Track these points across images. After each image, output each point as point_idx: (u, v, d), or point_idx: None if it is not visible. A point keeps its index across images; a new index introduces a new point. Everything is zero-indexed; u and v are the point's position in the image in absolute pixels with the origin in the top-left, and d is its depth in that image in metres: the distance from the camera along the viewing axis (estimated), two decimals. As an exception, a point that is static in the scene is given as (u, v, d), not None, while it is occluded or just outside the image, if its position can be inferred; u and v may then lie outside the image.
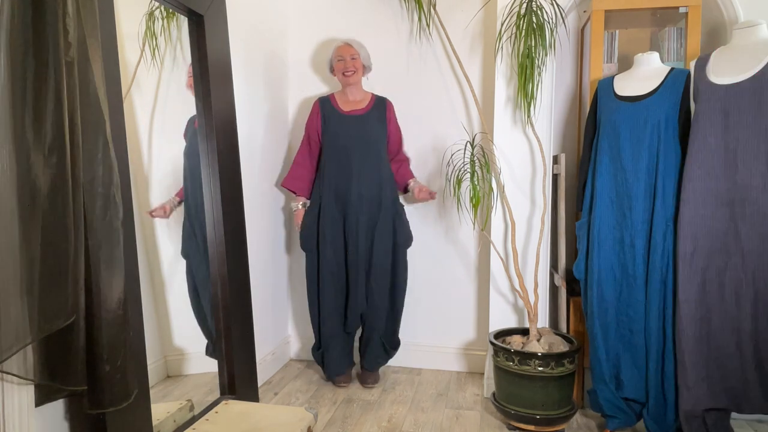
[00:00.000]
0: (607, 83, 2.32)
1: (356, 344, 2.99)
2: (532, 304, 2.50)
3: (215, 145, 2.15)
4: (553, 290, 2.77)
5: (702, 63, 2.12)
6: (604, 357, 2.24)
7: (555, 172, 2.65)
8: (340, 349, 2.84)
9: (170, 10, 2.03)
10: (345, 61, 2.77)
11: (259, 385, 2.56)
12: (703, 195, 2.03)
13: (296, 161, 2.86)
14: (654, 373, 2.16)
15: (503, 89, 2.66)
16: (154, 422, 1.72)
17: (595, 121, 2.37)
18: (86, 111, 1.32)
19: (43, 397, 1.35)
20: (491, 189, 2.62)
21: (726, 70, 2.05)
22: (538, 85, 2.53)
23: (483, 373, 2.90)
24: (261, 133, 2.85)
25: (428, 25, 2.96)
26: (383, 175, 2.78)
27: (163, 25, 2.02)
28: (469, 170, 2.49)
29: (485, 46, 2.92)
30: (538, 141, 2.59)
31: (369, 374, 2.86)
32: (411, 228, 2.89)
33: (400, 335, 2.95)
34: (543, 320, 2.63)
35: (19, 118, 1.19)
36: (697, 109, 2.08)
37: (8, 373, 1.22)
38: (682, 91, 2.16)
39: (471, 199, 2.51)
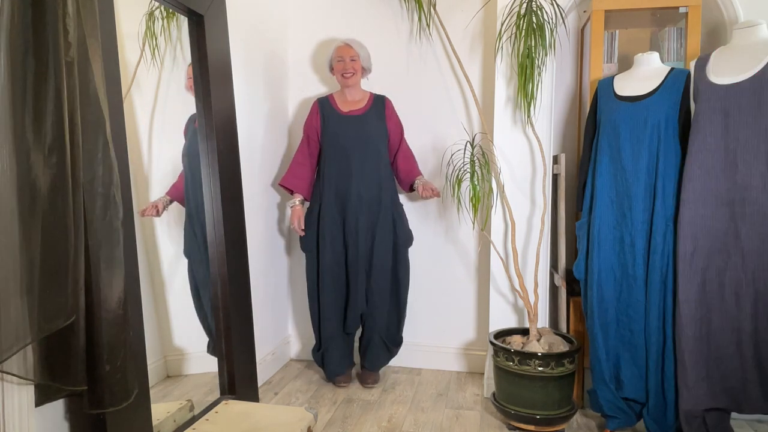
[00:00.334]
0: (607, 83, 2.32)
1: (356, 344, 2.99)
2: (532, 304, 2.50)
3: (215, 145, 2.15)
4: (553, 290, 2.77)
5: (702, 63, 2.12)
6: (604, 357, 2.24)
7: (555, 172, 2.65)
8: (340, 349, 2.84)
9: (170, 10, 2.03)
10: (344, 63, 2.76)
11: (259, 385, 2.56)
12: (703, 195, 2.03)
13: (296, 160, 2.85)
14: (654, 373, 2.16)
15: (503, 89, 2.66)
16: (154, 422, 1.72)
17: (595, 121, 2.37)
18: (86, 111, 1.32)
19: (43, 397, 1.35)
20: (491, 189, 2.62)
21: (726, 70, 2.05)
22: (538, 85, 2.53)
23: (483, 373, 2.90)
24: (261, 133, 2.85)
25: (428, 25, 2.96)
26: (383, 175, 2.78)
27: (163, 25, 2.02)
28: (469, 170, 2.49)
29: (485, 46, 2.92)
30: (538, 141, 2.59)
31: (369, 374, 2.86)
32: (411, 228, 2.89)
33: (400, 335, 2.95)
34: (543, 320, 2.63)
35: (19, 118, 1.19)
36: (697, 109, 2.08)
37: (8, 373, 1.22)
38: (682, 91, 2.16)
39: (471, 199, 2.51)
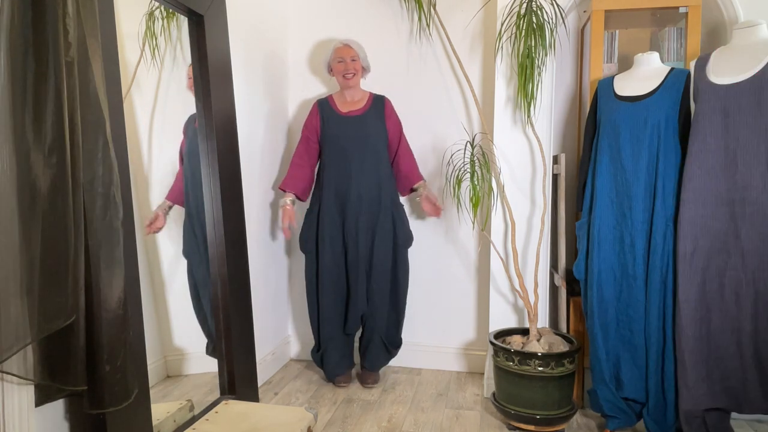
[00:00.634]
0: (607, 83, 2.32)
1: (356, 344, 2.99)
2: (532, 304, 2.50)
3: (215, 145, 2.15)
4: (553, 290, 2.77)
5: (702, 63, 2.12)
6: (604, 357, 2.24)
7: (555, 172, 2.65)
8: (339, 350, 2.84)
9: (170, 10, 2.03)
10: (345, 63, 2.76)
11: (259, 385, 2.56)
12: (703, 195, 2.03)
13: (293, 162, 2.83)
14: (654, 373, 2.16)
15: (503, 89, 2.66)
16: (154, 422, 1.72)
17: (595, 121, 2.37)
18: (86, 111, 1.32)
19: (43, 397, 1.35)
20: (491, 189, 2.62)
21: (726, 70, 2.05)
22: (538, 85, 2.53)
23: (483, 373, 2.90)
24: (261, 133, 2.85)
25: (428, 25, 2.96)
26: (383, 176, 2.78)
27: (163, 25, 2.02)
28: (469, 170, 2.49)
29: (485, 46, 2.92)
30: (538, 141, 2.59)
31: (369, 374, 2.86)
32: (411, 228, 2.89)
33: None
34: (543, 320, 2.63)
35: (19, 118, 1.19)
36: (697, 109, 2.08)
37: (8, 373, 1.22)
38: (682, 91, 2.16)
39: (471, 199, 2.51)
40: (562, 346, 2.34)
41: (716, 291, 2.03)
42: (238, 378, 2.19)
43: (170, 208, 2.07)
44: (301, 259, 3.08)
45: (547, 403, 2.25)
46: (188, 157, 2.17)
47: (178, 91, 2.16)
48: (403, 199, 2.94)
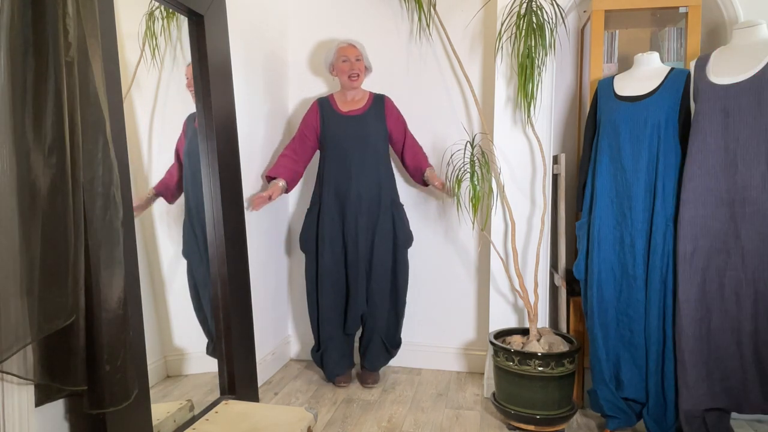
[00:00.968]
0: (607, 83, 2.32)
1: (356, 344, 2.99)
2: (532, 304, 2.50)
3: (215, 145, 2.15)
4: (553, 290, 2.77)
5: (702, 63, 2.12)
6: (604, 357, 2.24)
7: (555, 172, 2.65)
8: (339, 350, 2.84)
9: (170, 10, 2.03)
10: (350, 63, 2.75)
11: (259, 385, 2.56)
12: (703, 195, 2.03)
13: (284, 154, 2.78)
14: (654, 373, 2.16)
15: (503, 89, 2.66)
16: (154, 422, 1.72)
17: (595, 121, 2.37)
18: (86, 111, 1.32)
19: (43, 397, 1.35)
20: (491, 189, 2.62)
21: (726, 70, 2.05)
22: (538, 85, 2.53)
23: (483, 373, 2.90)
24: (261, 133, 2.85)
25: (428, 25, 2.96)
26: (382, 175, 2.78)
27: (163, 25, 2.02)
28: (469, 170, 2.49)
29: (485, 46, 2.92)
30: (538, 141, 2.59)
31: (369, 374, 2.86)
32: (411, 228, 2.89)
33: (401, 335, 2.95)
34: (543, 320, 2.63)
35: (19, 118, 1.19)
36: (697, 109, 2.08)
37: (8, 373, 1.22)
38: (682, 91, 2.16)
39: (471, 199, 2.51)
40: (562, 346, 2.34)
41: (716, 291, 2.03)
42: (238, 378, 2.19)
43: (155, 197, 2.02)
44: (301, 259, 3.08)
45: (547, 403, 2.25)
46: (188, 156, 2.17)
47: (178, 91, 2.16)
48: (403, 199, 2.94)
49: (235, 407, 2.00)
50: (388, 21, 3.04)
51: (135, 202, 1.84)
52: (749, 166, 1.96)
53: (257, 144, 2.80)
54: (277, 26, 3.04)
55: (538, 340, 2.39)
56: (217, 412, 1.95)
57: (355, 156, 2.74)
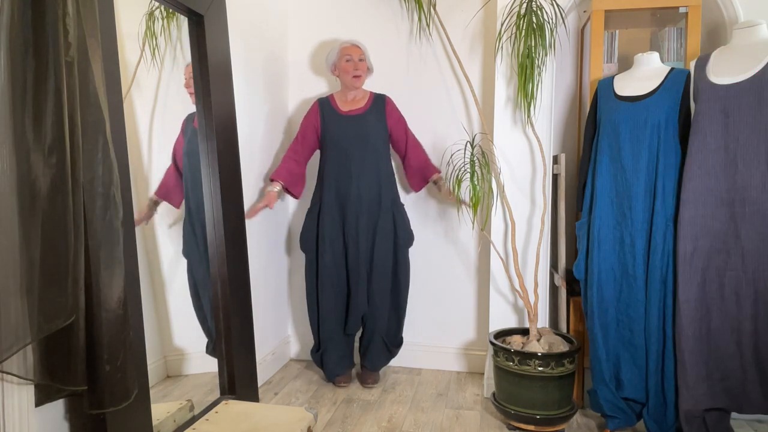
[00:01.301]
0: (607, 83, 2.32)
1: (356, 344, 2.99)
2: (532, 304, 2.50)
3: (215, 145, 2.15)
4: (553, 290, 2.77)
5: (702, 63, 2.12)
6: (604, 357, 2.24)
7: (555, 172, 2.65)
8: (339, 350, 2.84)
9: (170, 10, 2.03)
10: (354, 62, 2.75)
11: (259, 385, 2.55)
12: (703, 195, 2.03)
13: (287, 156, 2.80)
14: (654, 373, 2.16)
15: (503, 89, 2.66)
16: (154, 422, 1.72)
17: (595, 121, 2.37)
18: (86, 111, 1.32)
19: (43, 397, 1.35)
20: (491, 189, 2.62)
21: (726, 70, 2.05)
22: (538, 85, 2.53)
23: (483, 373, 2.90)
24: (261, 133, 2.85)
25: (428, 25, 2.96)
26: (383, 175, 2.78)
27: (163, 25, 2.02)
28: (469, 170, 2.49)
29: (485, 46, 2.92)
30: (538, 141, 2.59)
31: (369, 374, 2.86)
32: (411, 228, 2.89)
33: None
34: (543, 320, 2.63)
35: (19, 118, 1.19)
36: (697, 109, 2.08)
37: (8, 373, 1.22)
38: (682, 91, 2.16)
39: (471, 199, 2.51)
40: (562, 346, 2.34)
41: (716, 291, 2.03)
42: (238, 378, 2.19)
43: (156, 203, 2.02)
44: (301, 259, 3.08)
45: (547, 403, 2.25)
46: (188, 156, 2.17)
47: (178, 91, 2.16)
48: (403, 199, 2.94)
49: (235, 407, 2.00)
50: (388, 21, 3.04)
51: (136, 215, 1.84)
52: (749, 166, 1.96)
53: (257, 144, 2.80)
54: (277, 26, 3.04)
55: (538, 340, 2.39)
56: (217, 412, 1.95)
57: (356, 156, 2.74)
